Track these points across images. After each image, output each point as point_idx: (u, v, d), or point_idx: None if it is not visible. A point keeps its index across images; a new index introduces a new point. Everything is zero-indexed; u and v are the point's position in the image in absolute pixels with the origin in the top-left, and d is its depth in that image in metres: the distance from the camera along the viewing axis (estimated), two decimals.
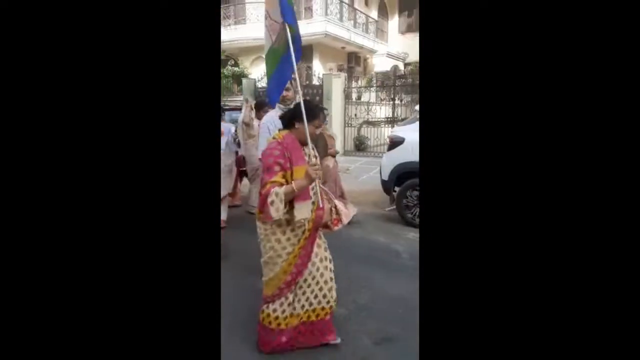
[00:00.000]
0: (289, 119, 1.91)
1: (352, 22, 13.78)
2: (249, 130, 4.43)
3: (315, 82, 9.63)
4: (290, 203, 1.77)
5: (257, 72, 11.39)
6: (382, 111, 9.90)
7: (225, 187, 4.08)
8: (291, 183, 1.75)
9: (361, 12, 14.54)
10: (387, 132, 7.88)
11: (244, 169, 4.82)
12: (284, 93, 2.56)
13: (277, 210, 1.70)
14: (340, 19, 12.96)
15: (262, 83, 9.94)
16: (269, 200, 1.70)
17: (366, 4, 15.52)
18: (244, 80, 10.11)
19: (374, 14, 15.86)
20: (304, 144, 1.90)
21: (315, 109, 1.90)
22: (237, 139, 4.20)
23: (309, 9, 12.78)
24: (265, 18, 2.10)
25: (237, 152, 4.38)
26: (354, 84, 11.30)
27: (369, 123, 9.67)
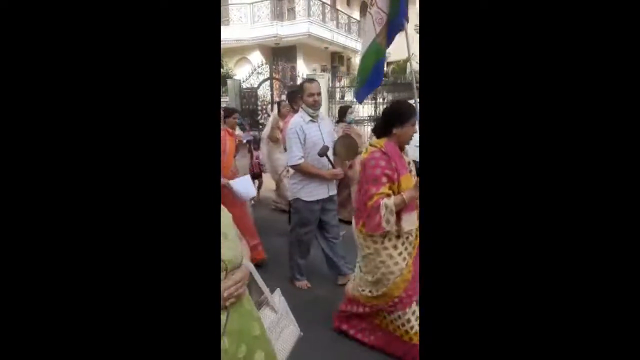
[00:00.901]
0: (385, 126, 1.82)
1: (334, 22, 13.98)
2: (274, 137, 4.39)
3: (300, 82, 9.79)
4: (396, 214, 1.72)
5: (242, 73, 11.49)
6: (365, 110, 10.12)
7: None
8: (400, 194, 1.71)
9: (343, 12, 14.76)
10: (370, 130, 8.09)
11: (257, 171, 4.90)
12: (316, 97, 2.52)
13: (387, 221, 1.69)
14: (323, 20, 13.15)
15: (247, 84, 10.05)
16: (382, 212, 1.68)
17: (348, 4, 15.76)
18: (229, 82, 10.19)
19: (355, 14, 16.10)
20: (402, 149, 1.85)
21: (411, 108, 1.82)
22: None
23: (291, 10, 12.93)
24: (372, 5, 1.97)
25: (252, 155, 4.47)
26: (337, 84, 11.51)
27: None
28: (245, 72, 10.73)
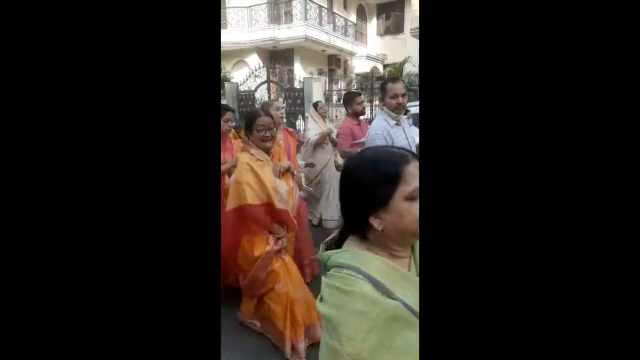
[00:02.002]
0: None
1: (331, 25, 14.07)
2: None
3: (297, 85, 9.86)
4: None
5: (239, 76, 11.54)
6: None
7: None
8: None
9: (340, 15, 14.85)
10: None
11: None
12: (400, 100, 2.30)
13: None
14: (320, 23, 13.24)
15: (244, 87, 10.10)
16: None
17: (345, 7, 15.85)
18: (226, 85, 10.25)
19: (352, 17, 16.20)
20: None
21: None
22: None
23: (288, 14, 13.02)
24: None
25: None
26: (334, 87, 11.58)
27: None
28: (243, 75, 10.78)
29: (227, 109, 2.75)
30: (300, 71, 12.66)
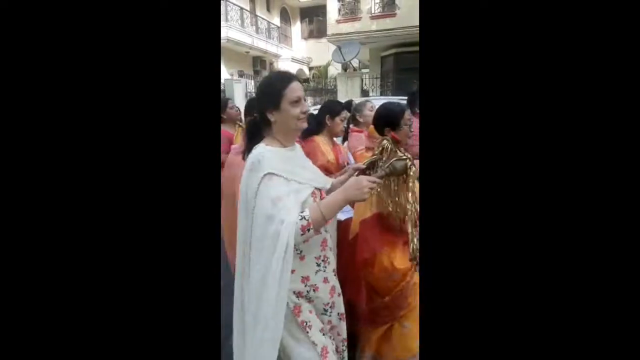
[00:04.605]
0: None
1: (254, 27, 14.06)
2: None
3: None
4: None
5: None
6: None
7: None
8: None
9: (263, 18, 14.90)
10: None
11: None
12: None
13: None
14: (242, 25, 13.17)
15: None
16: None
17: (268, 9, 15.93)
18: None
19: (276, 20, 16.33)
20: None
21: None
22: None
23: None
24: None
25: None
26: None
27: None
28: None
29: (341, 104, 2.18)
30: (223, 72, 12.49)
